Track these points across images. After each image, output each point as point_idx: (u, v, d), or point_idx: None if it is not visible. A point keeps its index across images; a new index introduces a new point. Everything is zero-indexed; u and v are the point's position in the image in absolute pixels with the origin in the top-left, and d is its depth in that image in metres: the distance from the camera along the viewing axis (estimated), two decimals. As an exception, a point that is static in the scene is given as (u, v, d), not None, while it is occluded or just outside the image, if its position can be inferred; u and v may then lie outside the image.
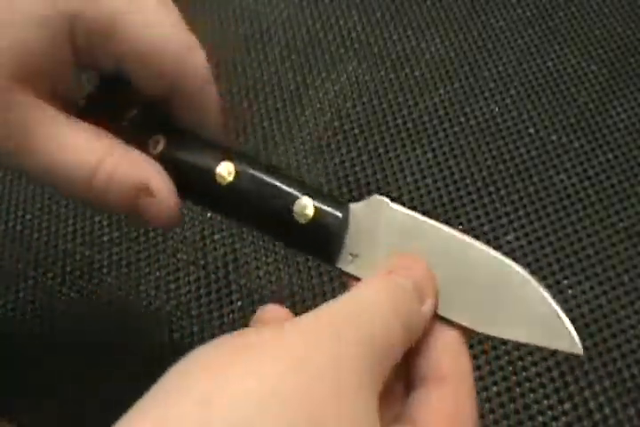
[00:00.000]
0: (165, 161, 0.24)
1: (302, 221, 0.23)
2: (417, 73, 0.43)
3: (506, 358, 0.32)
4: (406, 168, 0.39)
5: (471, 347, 0.33)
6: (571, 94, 0.41)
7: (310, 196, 0.23)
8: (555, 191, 0.37)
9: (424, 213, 0.22)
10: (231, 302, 0.35)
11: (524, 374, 0.32)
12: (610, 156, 0.39)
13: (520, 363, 0.32)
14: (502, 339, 0.22)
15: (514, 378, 0.32)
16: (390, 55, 0.44)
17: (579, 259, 0.35)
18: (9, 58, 0.21)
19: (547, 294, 0.21)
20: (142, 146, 0.24)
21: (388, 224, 0.23)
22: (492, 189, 0.38)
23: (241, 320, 0.34)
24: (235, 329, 0.35)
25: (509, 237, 0.36)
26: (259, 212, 0.24)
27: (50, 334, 0.35)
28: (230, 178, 0.24)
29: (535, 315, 0.22)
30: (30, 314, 0.36)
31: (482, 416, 0.31)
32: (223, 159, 0.24)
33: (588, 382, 0.32)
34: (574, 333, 0.22)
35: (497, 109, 0.41)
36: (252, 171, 0.24)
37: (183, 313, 0.35)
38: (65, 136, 0.23)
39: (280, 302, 0.35)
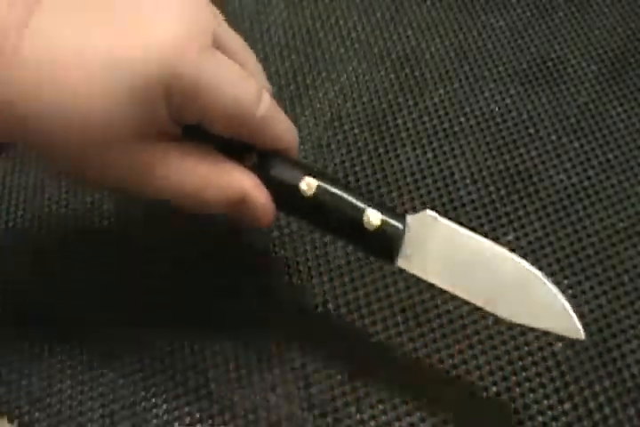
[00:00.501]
0: (257, 173, 0.29)
1: (370, 228, 0.29)
2: (417, 73, 0.43)
3: (506, 357, 0.32)
4: (406, 168, 0.39)
5: (471, 347, 0.33)
6: (571, 94, 0.41)
7: (377, 208, 0.29)
8: (555, 191, 0.37)
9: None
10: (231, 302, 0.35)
11: (523, 374, 0.32)
12: (610, 156, 0.39)
13: (520, 363, 0.32)
14: (522, 325, 0.28)
15: (514, 378, 0.32)
16: (390, 55, 0.44)
17: (579, 259, 0.35)
18: (125, 124, 0.26)
19: (557, 291, 0.28)
20: (239, 160, 0.30)
21: (435, 233, 0.29)
22: (492, 189, 0.38)
23: (241, 320, 0.34)
24: (235, 329, 0.35)
25: (509, 237, 0.36)
26: (334, 221, 0.30)
27: (50, 334, 0.35)
28: (311, 192, 0.29)
29: (548, 309, 0.28)
30: (30, 314, 0.36)
31: (482, 416, 0.31)
32: (306, 175, 0.29)
33: (588, 382, 0.32)
34: (577, 321, 0.28)
35: (497, 109, 0.41)
36: (330, 187, 0.29)
37: (183, 313, 0.35)
38: (176, 163, 0.28)
39: (280, 302, 0.35)
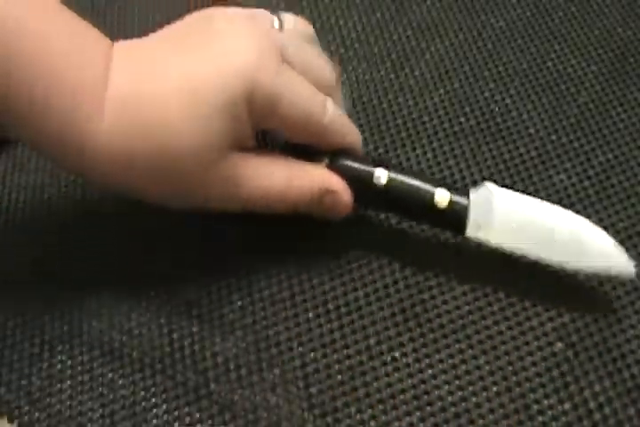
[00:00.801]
0: (332, 170, 0.33)
1: (441, 206, 0.33)
2: (417, 73, 0.43)
3: (506, 358, 0.32)
4: (406, 168, 0.39)
5: (471, 347, 0.33)
6: (571, 94, 0.41)
7: (445, 188, 0.33)
8: (555, 191, 0.37)
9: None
10: (231, 302, 0.35)
11: (524, 374, 0.32)
12: (610, 156, 0.39)
13: (520, 363, 0.32)
14: (580, 270, 0.33)
15: (514, 378, 0.32)
16: (390, 55, 0.44)
17: (579, 259, 0.35)
18: (220, 140, 0.30)
19: (607, 235, 0.33)
20: (315, 160, 0.33)
21: (496, 201, 0.33)
22: (492, 189, 0.38)
23: (241, 320, 0.34)
24: (234, 329, 0.35)
25: (509, 237, 0.36)
26: (408, 205, 0.33)
27: (50, 334, 0.35)
28: (384, 182, 0.33)
29: (602, 251, 0.32)
30: (30, 314, 0.36)
31: (482, 417, 0.31)
32: (377, 167, 0.33)
33: (588, 382, 0.32)
34: (628, 257, 0.32)
35: (497, 109, 0.41)
36: (400, 175, 0.33)
37: (183, 313, 0.35)
38: (259, 170, 0.32)
39: (280, 302, 0.35)
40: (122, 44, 0.32)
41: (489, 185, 0.34)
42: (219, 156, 0.30)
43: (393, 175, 0.33)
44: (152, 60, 0.31)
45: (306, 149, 0.33)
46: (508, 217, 0.33)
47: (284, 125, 0.32)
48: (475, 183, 0.38)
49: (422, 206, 0.33)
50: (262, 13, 0.33)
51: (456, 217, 0.33)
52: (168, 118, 0.29)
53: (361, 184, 0.33)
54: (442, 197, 0.33)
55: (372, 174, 0.33)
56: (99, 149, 0.30)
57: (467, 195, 0.33)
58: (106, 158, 0.30)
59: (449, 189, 0.33)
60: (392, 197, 0.33)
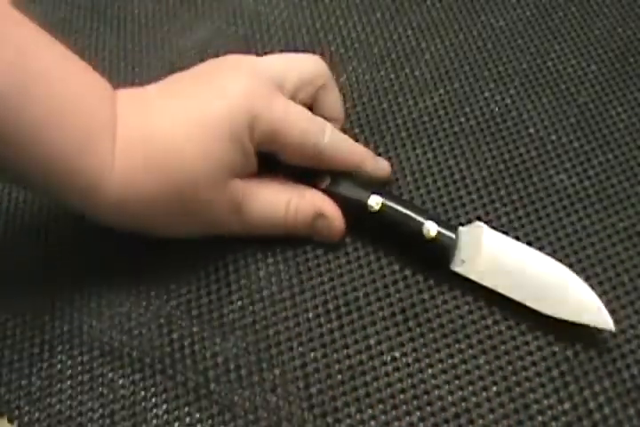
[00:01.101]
0: (330, 193, 0.35)
1: (428, 238, 0.33)
2: (417, 73, 0.43)
3: (506, 357, 0.32)
4: (406, 168, 0.39)
5: (471, 347, 0.33)
6: (571, 94, 0.41)
7: (434, 221, 0.34)
8: (555, 191, 0.37)
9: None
10: (231, 302, 0.35)
11: (523, 374, 0.32)
12: (610, 156, 0.39)
13: (520, 363, 0.32)
14: (557, 318, 0.32)
15: (514, 378, 0.32)
16: (390, 55, 0.44)
17: (579, 259, 0.35)
18: (230, 168, 0.32)
19: (591, 291, 0.32)
20: (314, 183, 0.35)
21: (484, 242, 0.34)
22: (491, 188, 0.38)
23: (241, 320, 0.34)
24: (234, 329, 0.35)
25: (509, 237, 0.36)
26: (397, 232, 0.34)
27: (50, 334, 0.35)
28: (377, 208, 0.34)
29: (581, 303, 0.32)
30: (30, 314, 0.36)
31: (482, 416, 0.31)
32: (372, 193, 0.34)
33: (587, 382, 0.32)
34: (607, 314, 0.32)
35: (497, 109, 0.41)
36: (393, 203, 0.34)
37: (183, 313, 0.35)
38: (260, 196, 0.33)
39: (280, 302, 0.35)
40: (124, 91, 0.33)
41: (480, 225, 0.34)
42: (226, 186, 0.32)
43: (386, 202, 0.34)
44: (157, 105, 0.32)
45: (307, 170, 0.35)
46: (494, 259, 0.34)
47: (284, 151, 0.33)
48: (475, 183, 0.38)
49: (410, 235, 0.34)
50: (250, 57, 0.35)
51: (442, 250, 0.34)
52: (183, 158, 0.31)
53: (356, 208, 0.35)
54: (430, 228, 0.33)
55: (366, 200, 0.34)
56: (111, 193, 0.31)
57: (455, 231, 0.34)
58: (119, 201, 0.31)
59: (438, 222, 0.34)
60: (383, 223, 0.35)
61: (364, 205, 0.34)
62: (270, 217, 0.34)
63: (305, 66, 0.35)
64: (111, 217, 0.32)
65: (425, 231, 0.33)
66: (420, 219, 0.34)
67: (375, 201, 0.34)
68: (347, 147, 0.35)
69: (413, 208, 0.35)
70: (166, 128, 0.31)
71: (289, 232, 0.35)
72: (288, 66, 0.35)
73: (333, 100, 0.37)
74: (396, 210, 0.34)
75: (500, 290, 0.33)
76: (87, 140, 0.30)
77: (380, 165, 0.37)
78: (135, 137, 0.31)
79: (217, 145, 0.31)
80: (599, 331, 0.33)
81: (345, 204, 0.35)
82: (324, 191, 0.35)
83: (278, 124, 0.32)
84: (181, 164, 0.31)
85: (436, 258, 0.34)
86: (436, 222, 0.34)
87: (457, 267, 0.34)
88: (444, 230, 0.34)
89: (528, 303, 0.33)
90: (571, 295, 0.32)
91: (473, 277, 0.34)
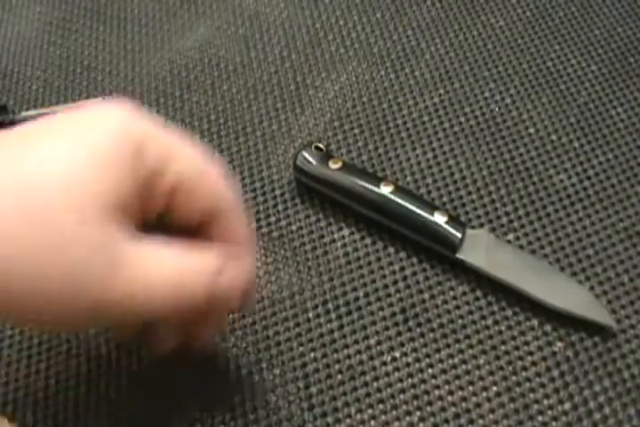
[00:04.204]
0: (343, 174, 0.36)
1: (439, 222, 0.34)
2: (417, 73, 0.43)
3: (506, 357, 0.32)
4: (406, 168, 0.39)
5: (471, 347, 0.33)
6: (571, 94, 0.41)
7: (446, 213, 0.35)
8: (555, 191, 0.37)
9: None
10: (231, 302, 0.35)
11: (523, 374, 0.32)
12: (610, 156, 0.39)
13: (520, 363, 0.32)
14: (557, 309, 0.33)
15: (514, 378, 0.32)
16: (390, 55, 0.44)
17: (579, 259, 0.35)
18: (103, 203, 0.23)
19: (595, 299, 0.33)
20: (324, 164, 0.37)
21: (489, 245, 0.35)
22: (492, 188, 0.38)
23: (241, 320, 0.34)
24: (235, 329, 0.35)
25: (509, 237, 0.36)
26: (408, 214, 0.35)
27: (50, 334, 0.35)
28: (389, 189, 0.35)
29: (580, 299, 0.33)
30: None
31: (482, 416, 0.31)
32: (384, 179, 0.36)
33: (587, 382, 0.32)
34: (607, 312, 0.33)
35: (497, 109, 0.41)
36: (404, 190, 0.35)
37: (183, 313, 0.35)
38: (156, 254, 0.25)
39: (280, 302, 0.35)
40: None
41: (486, 231, 0.35)
42: (103, 223, 0.23)
43: (399, 186, 0.35)
44: (13, 144, 0.24)
45: None
46: (497, 251, 0.34)
47: (179, 185, 0.25)
48: (475, 183, 0.38)
49: (422, 218, 0.34)
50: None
51: (450, 237, 0.34)
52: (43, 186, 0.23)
53: (369, 187, 0.35)
54: (441, 215, 0.34)
55: (379, 181, 0.35)
56: None
57: (464, 226, 0.35)
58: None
59: (449, 214, 0.35)
60: (396, 203, 0.35)
61: (378, 186, 0.35)
62: (166, 284, 0.24)
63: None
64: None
65: (436, 217, 0.34)
66: (432, 204, 0.35)
67: (388, 183, 0.35)
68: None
69: (422, 200, 0.36)
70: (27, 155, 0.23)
71: (177, 306, 0.25)
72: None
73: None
74: (409, 193, 0.35)
75: (503, 277, 0.33)
76: None
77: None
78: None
79: (99, 172, 0.23)
80: (599, 331, 0.33)
81: (359, 184, 0.35)
82: (336, 172, 0.36)
83: (170, 150, 0.25)
84: (42, 187, 0.23)
85: (444, 243, 0.34)
86: (447, 214, 0.35)
87: (463, 255, 0.34)
88: (454, 220, 0.35)
89: (528, 289, 0.33)
90: (572, 296, 0.33)
91: (476, 263, 0.34)
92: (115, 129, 0.24)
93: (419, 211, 0.35)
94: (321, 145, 0.38)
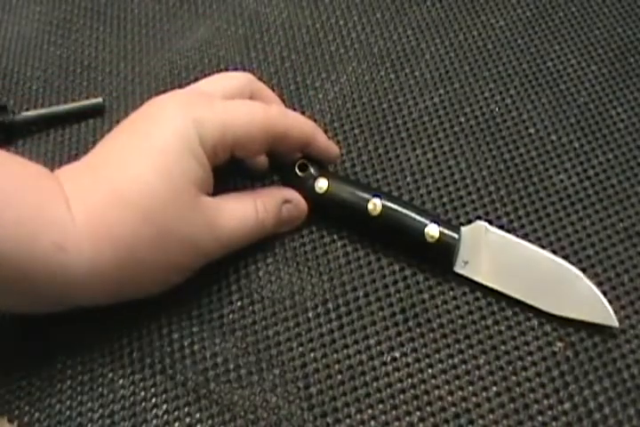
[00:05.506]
0: (328, 198, 0.35)
1: (430, 240, 0.33)
2: (417, 73, 0.43)
3: (506, 357, 0.32)
4: (406, 168, 0.39)
5: (471, 347, 0.33)
6: (571, 94, 0.41)
7: (436, 222, 0.34)
8: (555, 191, 0.37)
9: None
10: (231, 302, 0.35)
11: (523, 374, 0.32)
12: (610, 156, 0.39)
13: (520, 363, 0.32)
14: (561, 316, 0.33)
15: (514, 378, 0.32)
16: (390, 55, 0.44)
17: (579, 259, 0.35)
18: (189, 187, 0.31)
19: (593, 286, 0.33)
20: (309, 187, 0.35)
21: (486, 241, 0.34)
22: (492, 188, 0.38)
23: (241, 320, 0.34)
24: (235, 329, 0.35)
25: (509, 237, 0.36)
26: (399, 234, 0.34)
27: (50, 334, 0.35)
28: (378, 211, 0.34)
29: (583, 298, 0.33)
30: (30, 316, 0.36)
31: (482, 416, 0.31)
32: (373, 197, 0.34)
33: (587, 382, 0.32)
34: (611, 310, 0.32)
35: (497, 109, 0.41)
36: (394, 205, 0.34)
37: (183, 313, 0.35)
38: (227, 206, 0.33)
39: (280, 302, 0.35)
40: (64, 170, 0.32)
41: (482, 224, 0.34)
42: (197, 203, 0.31)
43: (387, 205, 0.34)
44: (100, 158, 0.32)
45: (308, 170, 0.36)
46: (495, 257, 0.34)
47: (239, 142, 0.32)
48: (475, 183, 0.38)
49: (412, 238, 0.34)
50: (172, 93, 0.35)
51: (444, 252, 0.34)
52: (148, 188, 0.30)
53: (356, 212, 0.35)
54: (432, 230, 0.33)
55: (366, 203, 0.34)
56: (83, 247, 0.29)
57: (458, 231, 0.34)
58: (94, 255, 0.30)
59: (440, 224, 0.34)
60: (385, 226, 0.34)
61: (365, 209, 0.34)
62: (244, 222, 0.33)
63: (228, 82, 0.36)
64: (88, 281, 0.30)
65: (427, 234, 0.33)
66: (421, 221, 0.34)
67: (376, 204, 0.34)
68: (296, 115, 0.35)
69: (414, 210, 0.34)
70: (120, 174, 0.31)
71: (262, 233, 0.35)
72: (213, 85, 0.35)
73: (268, 99, 0.37)
74: (398, 213, 0.34)
75: (504, 290, 0.33)
76: (48, 238, 0.29)
77: (330, 142, 0.37)
78: (94, 213, 0.30)
79: (176, 165, 0.31)
80: (599, 331, 0.33)
81: (345, 208, 0.35)
82: (322, 196, 0.35)
83: (223, 116, 0.32)
84: (148, 193, 0.30)
85: (439, 260, 0.34)
86: (438, 224, 0.34)
87: (460, 269, 0.34)
88: (446, 231, 0.34)
89: (531, 302, 0.33)
90: (573, 292, 0.33)
91: (476, 278, 0.34)
92: (174, 130, 0.31)
93: (409, 232, 0.34)
94: (305, 161, 0.36)
